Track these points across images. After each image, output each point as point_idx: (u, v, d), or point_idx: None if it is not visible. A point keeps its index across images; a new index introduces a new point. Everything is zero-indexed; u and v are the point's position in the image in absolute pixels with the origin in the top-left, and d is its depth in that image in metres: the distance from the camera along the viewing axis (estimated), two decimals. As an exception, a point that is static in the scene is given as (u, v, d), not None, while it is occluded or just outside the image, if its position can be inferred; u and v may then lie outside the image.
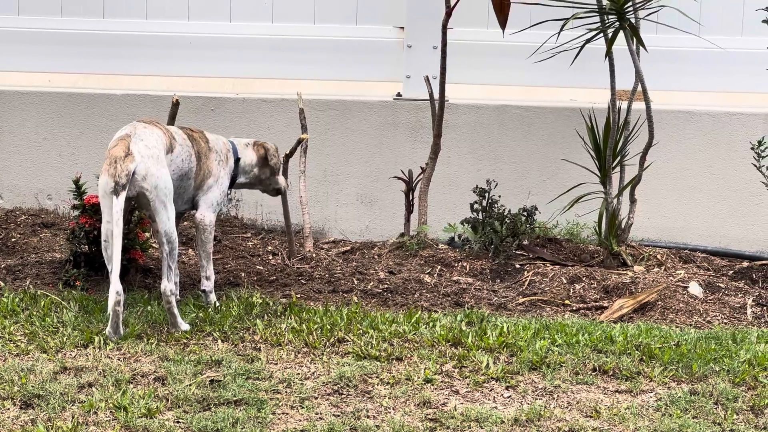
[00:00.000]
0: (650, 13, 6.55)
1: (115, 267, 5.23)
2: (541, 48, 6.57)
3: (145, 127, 5.46)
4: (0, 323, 5.44)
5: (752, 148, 6.66)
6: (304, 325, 5.47)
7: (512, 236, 6.62)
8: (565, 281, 6.30)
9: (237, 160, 5.99)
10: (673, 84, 7.36)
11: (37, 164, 7.50)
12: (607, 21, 6.44)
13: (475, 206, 6.72)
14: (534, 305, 6.08)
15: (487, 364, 5.07)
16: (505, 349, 5.25)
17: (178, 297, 5.55)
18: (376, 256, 6.70)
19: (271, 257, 6.67)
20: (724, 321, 5.92)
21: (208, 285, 5.81)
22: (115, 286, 5.20)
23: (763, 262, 6.83)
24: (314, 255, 6.64)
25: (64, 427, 4.34)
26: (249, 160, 6.06)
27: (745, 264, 6.80)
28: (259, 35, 7.55)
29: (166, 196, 5.36)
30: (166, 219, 5.37)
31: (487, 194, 6.70)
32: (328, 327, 5.44)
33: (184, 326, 5.41)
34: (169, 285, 5.38)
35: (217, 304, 5.79)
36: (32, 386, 4.67)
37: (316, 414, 4.55)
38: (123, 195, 5.20)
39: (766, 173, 6.59)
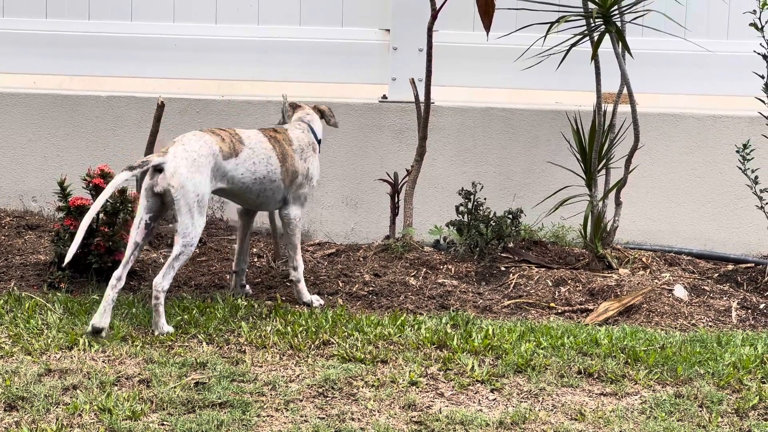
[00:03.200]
0: (636, 17, 6.56)
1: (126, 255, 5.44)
2: (528, 51, 6.57)
3: (194, 134, 5.56)
4: (-16, 325, 5.43)
5: (737, 151, 6.66)
6: (289, 328, 5.46)
7: (497, 239, 6.61)
8: (550, 284, 6.31)
9: (319, 141, 6.08)
10: (658, 87, 7.37)
11: (22, 166, 7.48)
12: (593, 24, 6.44)
13: (461, 209, 6.71)
14: (519, 308, 6.08)
15: (472, 366, 5.07)
16: (490, 352, 5.25)
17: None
18: (361, 259, 6.70)
19: (256, 259, 6.66)
20: (709, 324, 5.93)
21: (296, 275, 5.94)
22: (117, 272, 5.39)
23: (748, 265, 6.84)
24: (300, 257, 6.63)
25: (48, 429, 4.32)
26: (321, 130, 6.15)
27: (731, 267, 6.82)
28: (244, 37, 7.54)
29: (194, 200, 5.40)
30: (189, 223, 5.41)
31: (472, 196, 6.70)
32: (313, 329, 5.44)
33: (167, 328, 5.40)
34: (162, 282, 5.39)
35: (306, 298, 5.89)
36: (16, 388, 4.66)
37: (301, 416, 4.55)
38: (124, 174, 5.33)
39: (751, 176, 6.60)
